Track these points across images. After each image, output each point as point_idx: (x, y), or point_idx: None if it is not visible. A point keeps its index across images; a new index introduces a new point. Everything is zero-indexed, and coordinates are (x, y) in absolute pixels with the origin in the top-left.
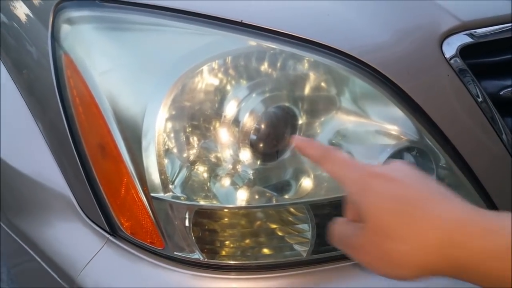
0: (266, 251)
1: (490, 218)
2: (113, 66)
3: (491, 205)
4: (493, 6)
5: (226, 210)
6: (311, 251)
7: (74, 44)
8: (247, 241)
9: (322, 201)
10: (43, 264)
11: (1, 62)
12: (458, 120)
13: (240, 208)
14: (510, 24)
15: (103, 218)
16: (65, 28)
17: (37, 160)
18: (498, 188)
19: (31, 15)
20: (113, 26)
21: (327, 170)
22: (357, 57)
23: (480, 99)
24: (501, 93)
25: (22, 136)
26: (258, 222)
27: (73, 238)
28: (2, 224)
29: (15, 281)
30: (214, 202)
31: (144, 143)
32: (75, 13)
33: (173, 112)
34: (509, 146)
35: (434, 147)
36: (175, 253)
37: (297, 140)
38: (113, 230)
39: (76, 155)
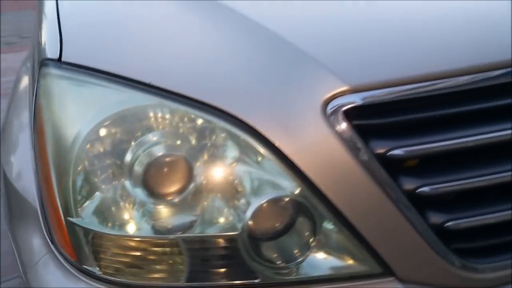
0: (149, 274)
1: None
2: (61, 110)
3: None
4: (382, 69)
5: (115, 236)
6: (186, 279)
7: (42, 94)
8: (133, 262)
9: (193, 238)
10: (17, 259)
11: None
12: (340, 180)
13: (124, 236)
14: (398, 88)
15: (47, 231)
16: (40, 81)
17: (28, 182)
18: (390, 249)
19: (35, 63)
20: (67, 82)
21: None
22: (239, 117)
23: (365, 159)
24: (389, 153)
25: (25, 161)
26: (143, 248)
27: (34, 242)
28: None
29: None
30: (116, 228)
31: (67, 175)
32: (46, 70)
33: (92, 152)
34: (400, 204)
35: (315, 204)
36: (83, 266)
37: None
38: (52, 241)
39: (37, 179)
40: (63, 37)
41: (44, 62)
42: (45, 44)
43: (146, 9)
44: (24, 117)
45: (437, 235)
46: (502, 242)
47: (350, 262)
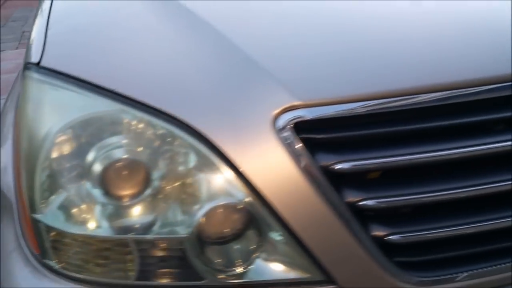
0: (105, 271)
1: None
2: (35, 112)
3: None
4: (334, 86)
5: (70, 233)
6: (135, 277)
7: (22, 95)
8: (90, 259)
9: (144, 239)
10: None
11: None
12: (287, 192)
13: (81, 234)
14: (346, 105)
15: (19, 224)
16: (22, 83)
17: (9, 181)
18: (332, 259)
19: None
20: (43, 85)
21: None
22: (196, 127)
23: (311, 172)
24: (332, 166)
25: (10, 156)
26: (99, 247)
27: (9, 235)
28: None
29: None
30: (75, 226)
31: (34, 173)
32: (27, 73)
33: (57, 153)
34: (342, 216)
35: (263, 213)
36: (44, 260)
37: None
38: (23, 234)
39: (12, 174)
40: (47, 41)
41: (26, 65)
42: (31, 47)
43: (128, 17)
44: None
45: (379, 248)
46: (448, 257)
47: (294, 269)
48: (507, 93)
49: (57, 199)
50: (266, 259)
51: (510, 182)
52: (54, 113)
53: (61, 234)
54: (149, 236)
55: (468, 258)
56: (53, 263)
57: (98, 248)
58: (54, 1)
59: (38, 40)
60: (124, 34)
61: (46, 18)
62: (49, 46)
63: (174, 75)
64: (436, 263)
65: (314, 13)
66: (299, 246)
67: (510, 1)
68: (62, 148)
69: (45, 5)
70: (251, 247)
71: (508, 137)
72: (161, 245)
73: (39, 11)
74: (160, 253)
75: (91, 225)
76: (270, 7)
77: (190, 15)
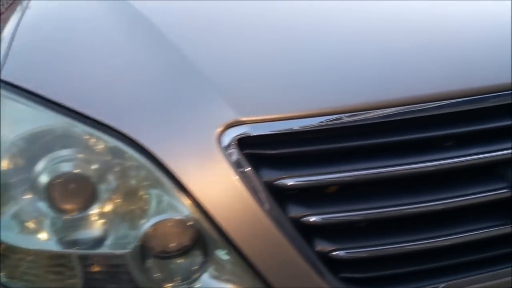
0: (52, 285)
1: None
2: None
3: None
4: (279, 102)
5: (18, 247)
6: None
7: None
8: (38, 273)
9: (87, 254)
10: None
11: None
12: (232, 208)
13: (23, 248)
14: (290, 121)
15: None
16: None
17: None
18: (277, 274)
19: None
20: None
21: None
22: (144, 144)
23: (254, 188)
24: (275, 182)
25: None
26: (45, 261)
27: None
28: None
29: None
30: (21, 240)
31: None
32: None
33: (5, 167)
34: (285, 232)
35: (208, 230)
36: None
37: None
38: None
39: None
40: (10, 53)
41: None
42: None
43: (91, 32)
44: None
45: (325, 264)
46: (397, 273)
47: (239, 286)
48: (457, 109)
49: (5, 212)
50: (212, 276)
51: (458, 199)
52: (8, 125)
53: (9, 248)
54: (92, 251)
55: (418, 275)
56: (1, 276)
57: (46, 263)
58: (26, 11)
59: (1, 51)
60: (83, 49)
61: (14, 28)
62: (11, 59)
63: (124, 89)
64: (385, 280)
65: (264, 28)
66: (244, 263)
67: (461, 18)
68: (10, 162)
69: (14, 18)
70: (193, 267)
71: (458, 153)
72: (104, 260)
73: (7, 25)
74: (103, 267)
75: (39, 238)
76: (222, 20)
77: (151, 30)
